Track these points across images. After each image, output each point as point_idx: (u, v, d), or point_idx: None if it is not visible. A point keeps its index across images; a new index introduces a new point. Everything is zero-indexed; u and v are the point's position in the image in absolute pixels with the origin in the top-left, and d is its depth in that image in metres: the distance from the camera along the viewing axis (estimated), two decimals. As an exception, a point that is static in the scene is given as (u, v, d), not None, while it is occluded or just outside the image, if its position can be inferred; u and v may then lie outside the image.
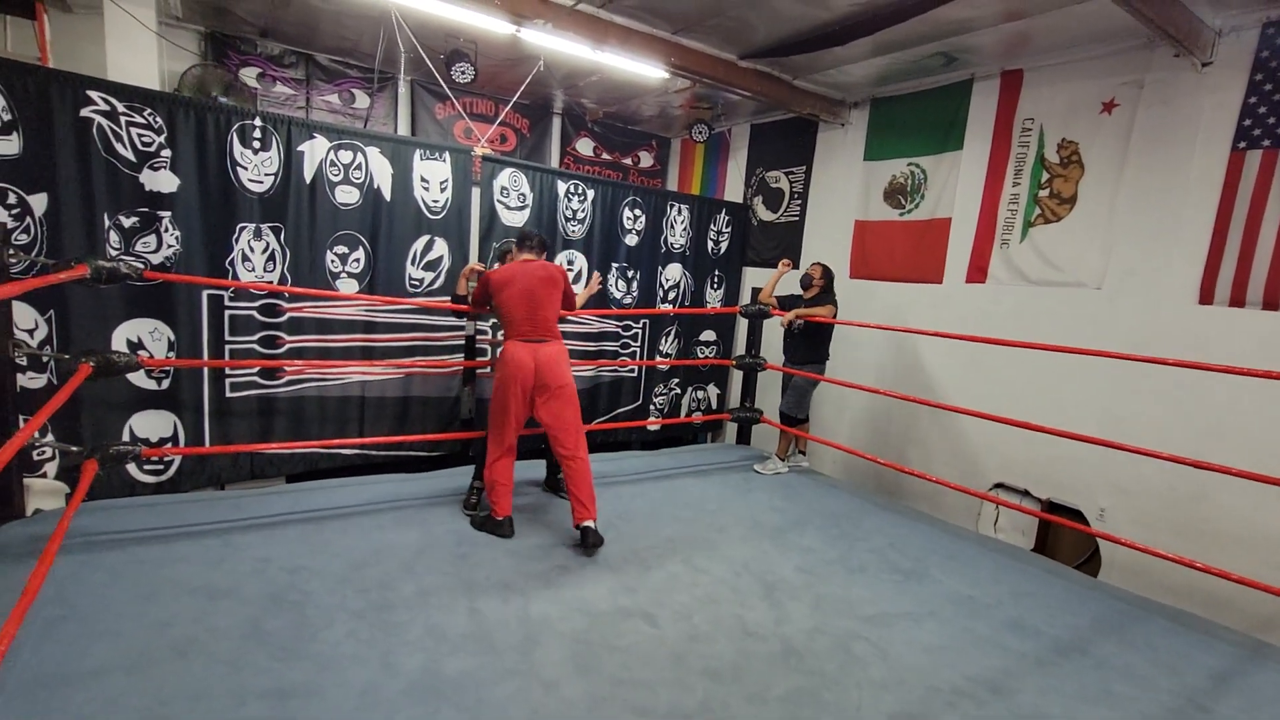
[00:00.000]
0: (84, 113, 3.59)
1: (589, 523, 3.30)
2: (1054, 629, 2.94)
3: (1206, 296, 3.74)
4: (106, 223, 3.73)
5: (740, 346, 6.73)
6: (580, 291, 4.04)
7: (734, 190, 7.08)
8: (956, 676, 2.54)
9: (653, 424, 6.21)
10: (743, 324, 6.28)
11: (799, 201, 6.36)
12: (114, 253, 3.75)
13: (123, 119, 3.69)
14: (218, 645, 2.34)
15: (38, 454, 3.62)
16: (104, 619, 2.42)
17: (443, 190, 4.82)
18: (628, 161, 7.57)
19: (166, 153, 3.83)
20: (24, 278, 3.36)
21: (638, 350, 6.13)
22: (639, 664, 2.48)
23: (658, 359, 6.27)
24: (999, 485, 4.75)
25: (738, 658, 2.58)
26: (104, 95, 3.63)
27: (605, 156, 7.39)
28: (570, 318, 4.90)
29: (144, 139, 3.77)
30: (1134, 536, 3.96)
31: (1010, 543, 4.38)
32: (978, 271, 4.83)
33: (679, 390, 6.62)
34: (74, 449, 3.03)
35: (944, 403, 4.80)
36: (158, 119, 3.78)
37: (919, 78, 5.16)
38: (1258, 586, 2.89)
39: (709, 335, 6.76)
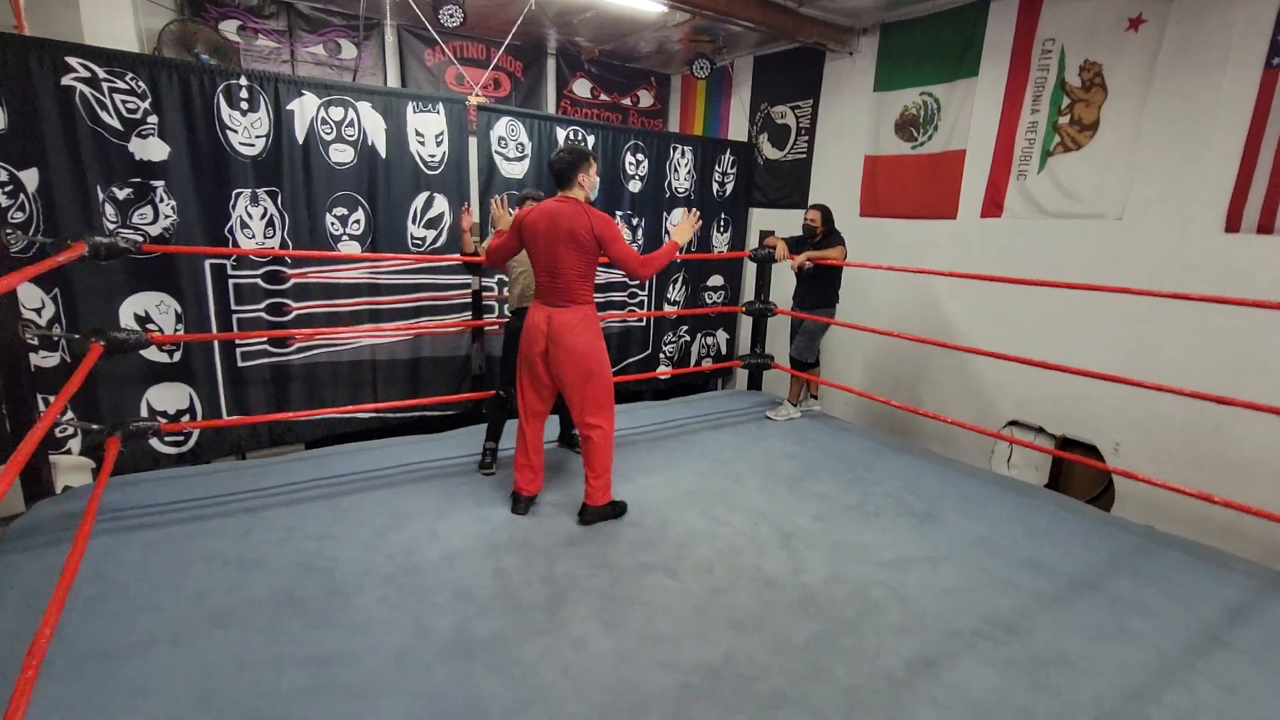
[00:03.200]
0: (65, 81, 3.46)
1: (588, 504, 3.19)
2: (1069, 566, 2.98)
3: (1233, 224, 3.62)
4: (100, 195, 3.65)
5: (748, 290, 6.64)
6: (679, 226, 3.31)
7: (738, 128, 6.83)
8: (974, 618, 2.60)
9: (663, 374, 6.21)
10: (750, 268, 6.17)
11: (806, 138, 6.13)
12: (111, 226, 3.69)
13: (105, 85, 3.56)
14: (254, 615, 2.42)
15: (60, 431, 3.67)
16: (143, 593, 2.50)
17: (439, 144, 4.67)
18: (627, 102, 7.30)
19: (153, 119, 3.71)
20: (23, 257, 3.34)
21: (645, 300, 6.07)
22: (663, 617, 2.54)
23: (665, 307, 6.21)
24: (1013, 423, 4.75)
25: (758, 608, 2.64)
26: (83, 61, 3.49)
27: (603, 98, 7.11)
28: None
29: (128, 105, 3.65)
30: (1149, 470, 3.97)
31: (1024, 480, 4.42)
32: (993, 205, 4.68)
33: (688, 337, 6.58)
34: (95, 427, 3.06)
35: (959, 343, 4.76)
36: (140, 83, 3.65)
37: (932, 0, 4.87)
38: (1271, 517, 2.90)
39: (716, 280, 6.67)
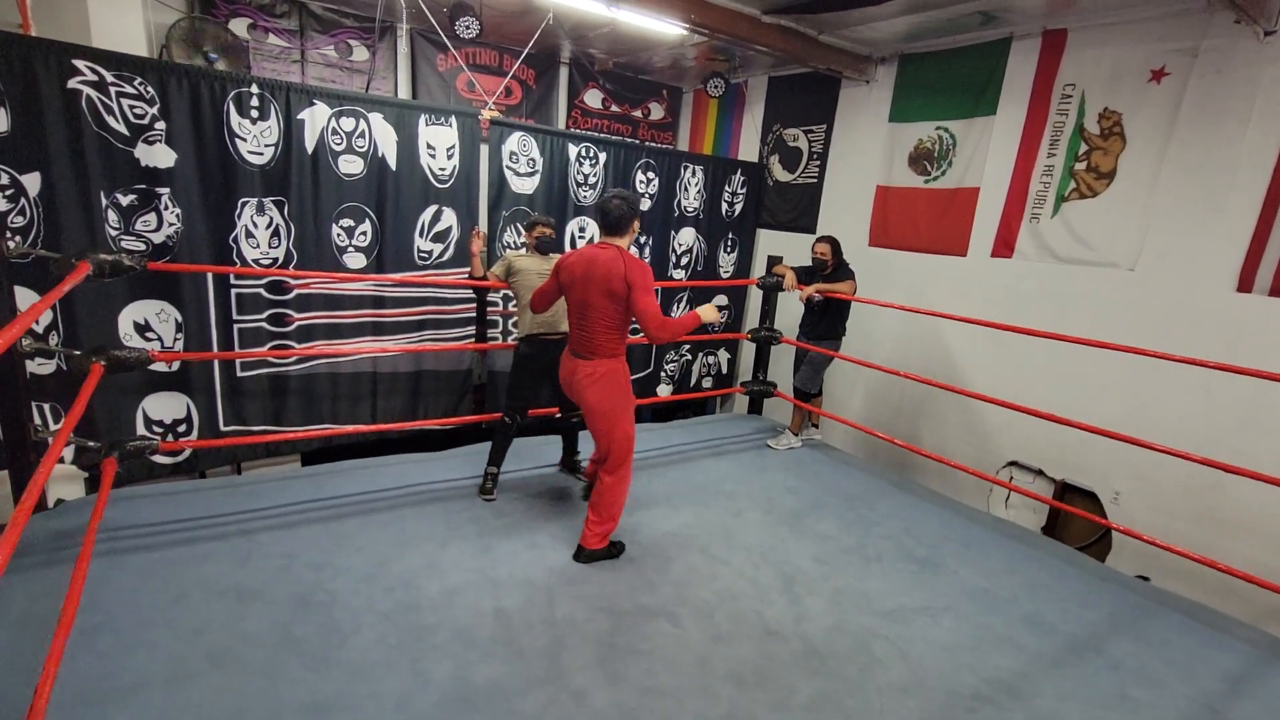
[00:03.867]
0: (71, 84, 3.39)
1: (582, 545, 3.15)
2: (1069, 625, 2.98)
3: (1246, 284, 3.62)
4: (104, 201, 3.58)
5: (752, 312, 6.63)
6: (705, 308, 3.04)
7: (749, 147, 6.79)
8: (975, 679, 2.59)
9: (663, 399, 6.18)
10: (757, 294, 6.14)
11: (818, 162, 6.11)
12: (113, 233, 3.62)
13: (112, 90, 3.49)
14: (251, 654, 2.38)
15: (52, 438, 3.60)
16: (138, 627, 2.45)
17: (450, 157, 4.62)
18: (638, 114, 7.25)
19: (161, 125, 3.64)
20: (22, 263, 3.26)
21: (650, 317, 6.03)
22: (664, 669, 2.52)
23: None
24: (1013, 463, 4.76)
25: (760, 660, 2.62)
26: (91, 65, 3.41)
27: (614, 109, 7.06)
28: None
29: (136, 110, 3.58)
30: (1148, 522, 4.00)
31: (1022, 523, 4.42)
32: (1004, 246, 4.67)
33: (689, 356, 6.56)
34: (92, 444, 3.00)
35: (962, 380, 4.77)
36: (149, 88, 3.58)
37: (953, 34, 4.85)
38: (1272, 588, 2.91)
39: (721, 300, 6.64)
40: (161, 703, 2.12)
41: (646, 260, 5.83)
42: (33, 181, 3.38)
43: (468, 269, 4.11)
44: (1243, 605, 3.47)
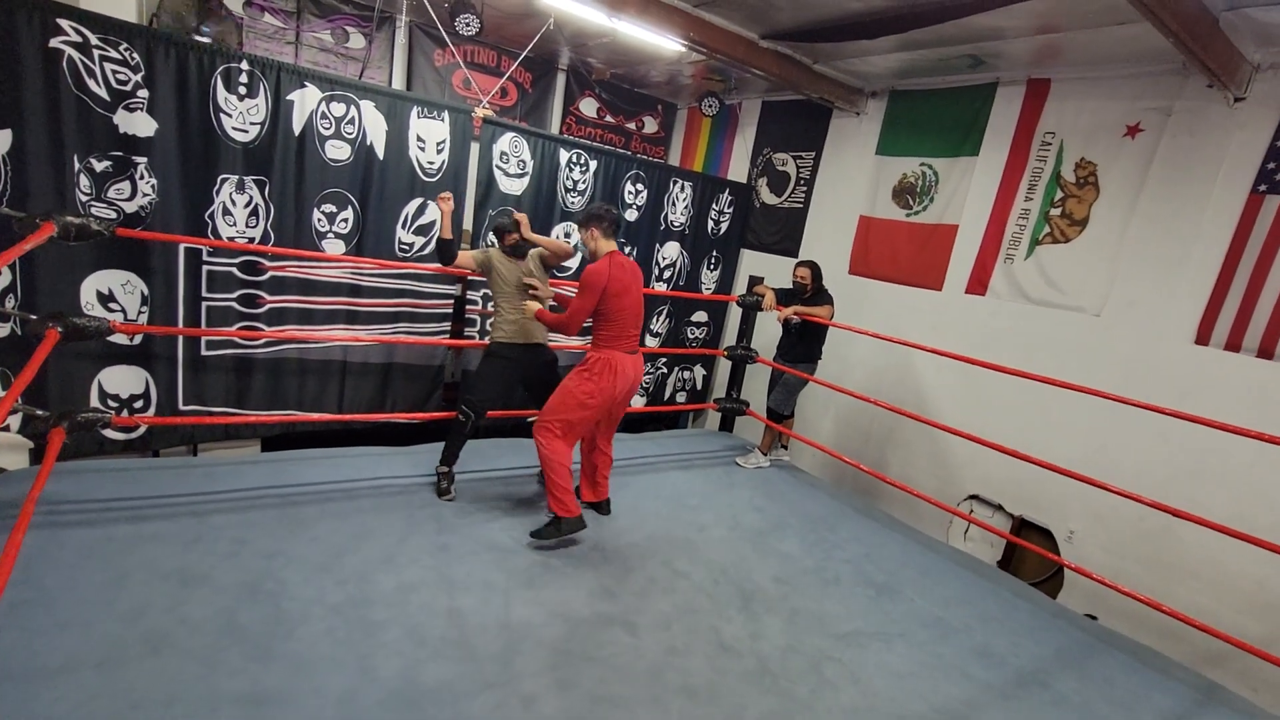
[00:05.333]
0: (53, 43, 3.29)
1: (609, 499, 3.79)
2: (1018, 658, 3.02)
3: (1203, 337, 3.75)
4: (76, 165, 3.47)
5: (731, 330, 6.67)
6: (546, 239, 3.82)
7: (739, 167, 6.88)
8: (924, 707, 2.61)
9: (636, 410, 6.17)
10: (736, 311, 6.19)
11: (805, 188, 6.20)
12: (84, 198, 3.51)
13: (96, 53, 3.40)
14: (191, 640, 2.30)
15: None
16: (73, 605, 2.35)
17: (439, 151, 4.58)
18: (631, 126, 7.29)
19: (144, 93, 3.56)
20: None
21: (628, 327, 6.04)
22: (617, 678, 2.49)
23: (647, 339, 6.18)
24: (974, 496, 4.84)
25: (713, 675, 2.61)
26: (75, 25, 3.32)
27: (609, 119, 7.10)
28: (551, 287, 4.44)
29: (119, 76, 3.49)
30: (1101, 562, 4.09)
31: (979, 555, 4.49)
32: (978, 284, 4.78)
33: (665, 369, 6.57)
34: (40, 413, 2.89)
35: (930, 410, 4.84)
36: (135, 55, 3.49)
37: (943, 75, 4.98)
38: (1217, 635, 2.99)
39: (701, 316, 6.68)
40: (91, 685, 2.03)
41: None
42: (3, 138, 3.26)
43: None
44: (1185, 648, 3.56)
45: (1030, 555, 4.67)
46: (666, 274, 6.22)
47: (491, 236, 4.94)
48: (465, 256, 3.83)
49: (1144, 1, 2.83)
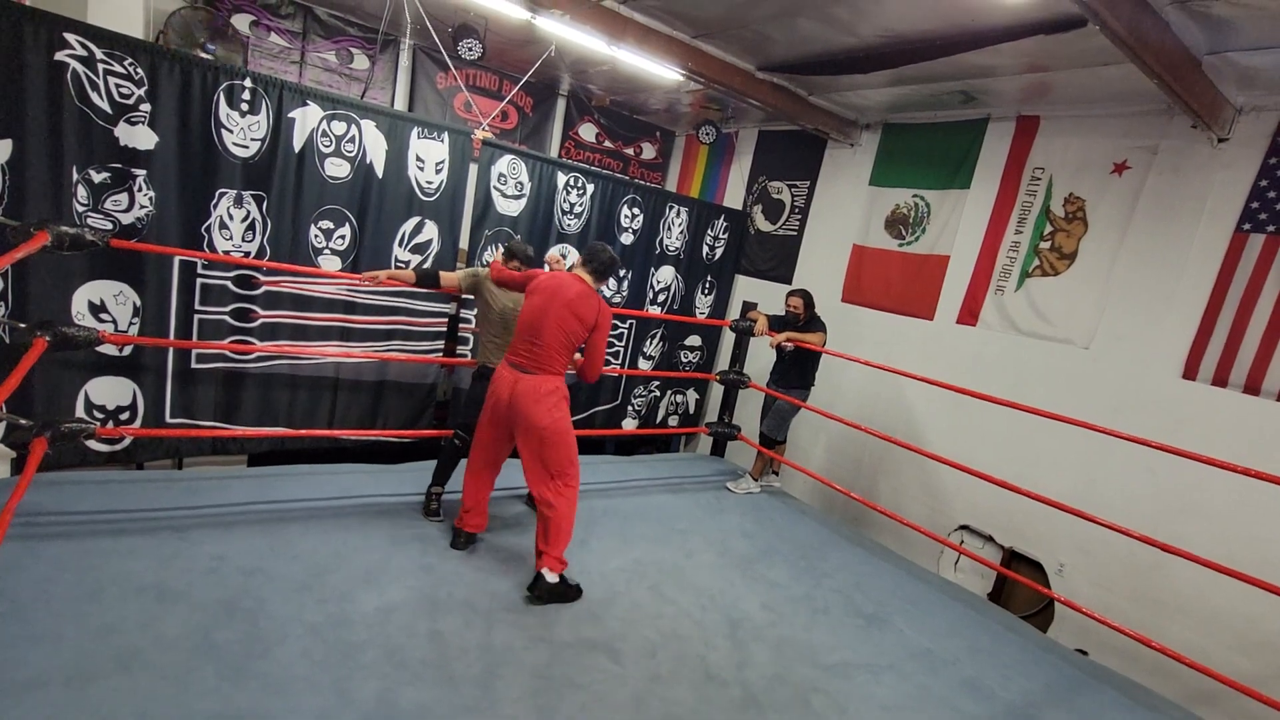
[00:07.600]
0: (59, 56, 3.33)
1: (543, 570, 3.00)
2: (1007, 692, 2.98)
3: (1190, 372, 3.78)
4: (75, 176, 3.49)
5: (724, 355, 6.69)
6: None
7: (734, 194, 6.96)
8: (911, 741, 2.57)
9: (628, 433, 6.15)
10: (729, 336, 6.21)
11: (799, 216, 6.28)
12: (81, 209, 3.52)
13: (100, 67, 3.44)
14: (164, 658, 2.25)
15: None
16: (44, 619, 2.30)
17: (438, 171, 4.63)
18: (630, 151, 7.39)
19: (146, 107, 3.59)
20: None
21: (621, 350, 6.05)
22: (598, 705, 2.45)
23: (641, 361, 6.19)
24: (965, 527, 4.81)
25: (698, 704, 2.56)
26: (81, 39, 3.37)
27: (607, 144, 7.20)
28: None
29: (122, 90, 3.52)
30: (1090, 596, 4.06)
31: (969, 586, 4.46)
32: (969, 314, 4.82)
33: (658, 393, 6.56)
34: (23, 422, 2.86)
35: (921, 439, 4.84)
36: (139, 70, 3.53)
37: (934, 109, 5.08)
38: (1207, 673, 2.96)
39: (694, 340, 6.69)
40: (59, 701, 1.98)
41: (624, 294, 5.88)
42: (3, 148, 3.28)
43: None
44: (1175, 686, 3.52)
45: (1021, 588, 4.64)
46: (660, 298, 6.25)
47: (487, 256, 4.98)
48: (453, 277, 3.84)
49: (1128, 44, 2.91)
